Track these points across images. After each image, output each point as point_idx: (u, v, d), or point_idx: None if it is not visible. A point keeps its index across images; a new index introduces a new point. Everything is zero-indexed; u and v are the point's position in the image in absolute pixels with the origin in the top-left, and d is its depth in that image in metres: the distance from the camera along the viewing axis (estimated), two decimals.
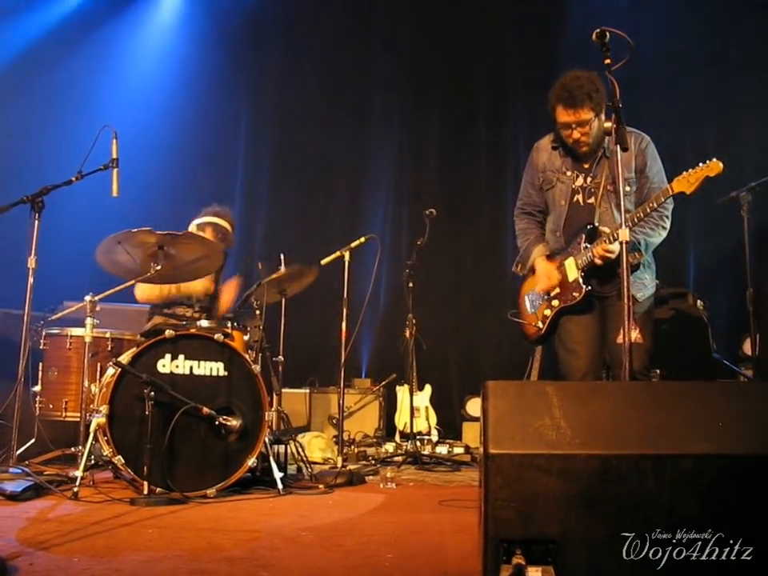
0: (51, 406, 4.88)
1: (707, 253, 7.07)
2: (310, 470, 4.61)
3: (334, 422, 6.72)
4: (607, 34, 3.15)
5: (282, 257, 5.14)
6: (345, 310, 5.21)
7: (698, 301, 6.35)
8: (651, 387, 2.84)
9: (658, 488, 2.11)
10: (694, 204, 6.67)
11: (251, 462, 4.01)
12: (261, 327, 4.71)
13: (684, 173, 3.54)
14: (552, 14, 7.84)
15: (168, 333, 3.94)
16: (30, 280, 4.38)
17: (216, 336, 4.06)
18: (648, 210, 3.69)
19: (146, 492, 3.63)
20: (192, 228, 5.26)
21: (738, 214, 5.32)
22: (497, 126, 8.15)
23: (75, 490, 3.64)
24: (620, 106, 3.18)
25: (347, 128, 8.41)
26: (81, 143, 4.36)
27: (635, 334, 3.63)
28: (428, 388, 6.86)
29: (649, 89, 7.17)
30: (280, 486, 4.03)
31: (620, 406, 2.25)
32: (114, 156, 4.31)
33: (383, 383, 7.08)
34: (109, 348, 4.89)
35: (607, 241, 3.78)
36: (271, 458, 4.13)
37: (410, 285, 5.98)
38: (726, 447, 2.16)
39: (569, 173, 4.06)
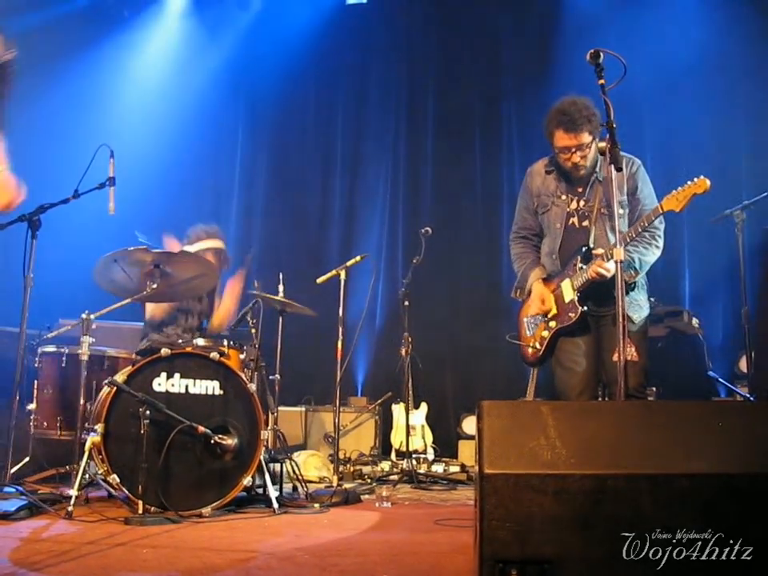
0: (46, 425, 4.86)
1: (702, 271, 7.08)
2: (305, 488, 4.59)
3: (330, 440, 6.69)
4: (601, 54, 3.18)
5: (280, 276, 5.15)
6: (341, 329, 5.22)
7: (694, 319, 6.37)
8: (647, 406, 2.84)
9: (654, 507, 2.11)
10: (688, 222, 6.72)
11: (246, 480, 4.00)
12: (257, 345, 4.71)
13: (673, 191, 3.59)
14: (547, 36, 7.89)
15: (164, 351, 3.94)
16: (26, 298, 4.38)
17: (212, 355, 4.06)
18: (639, 229, 3.73)
19: (140, 511, 3.61)
20: None
21: (732, 232, 5.35)
22: (492, 145, 8.18)
23: (69, 509, 3.62)
24: (614, 126, 3.21)
25: (343, 146, 8.44)
26: (78, 161, 4.37)
27: (631, 352, 3.68)
28: (424, 406, 6.85)
29: (643, 108, 7.22)
30: (275, 504, 4.01)
31: (615, 425, 2.26)
32: (111, 174, 4.32)
33: (379, 402, 7.07)
34: (105, 366, 4.88)
35: (603, 259, 3.81)
36: (267, 477, 4.12)
37: (406, 303, 5.97)
38: (722, 466, 2.16)
39: (563, 196, 4.12)
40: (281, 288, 5.17)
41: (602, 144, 3.27)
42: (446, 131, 8.25)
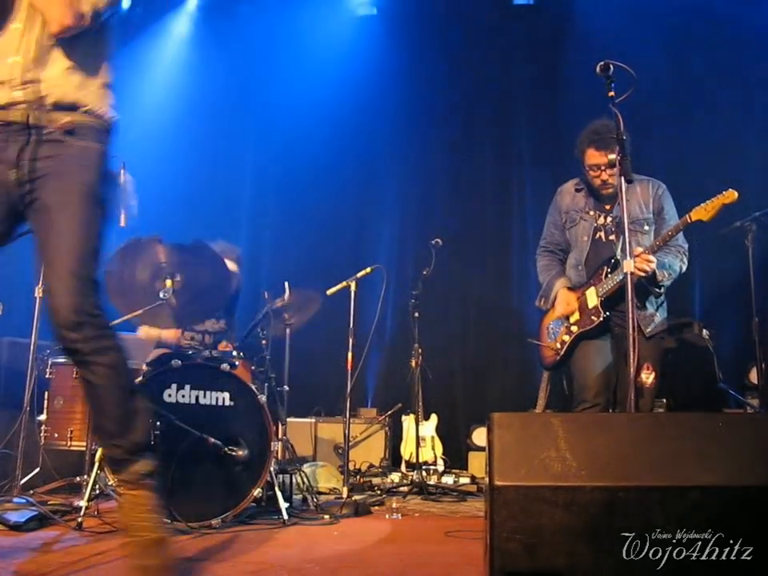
0: (56, 435, 4.86)
1: (712, 282, 7.06)
2: (315, 500, 4.59)
3: (340, 451, 6.68)
4: (611, 66, 3.23)
5: (286, 284, 5.14)
6: (351, 340, 5.22)
7: (704, 330, 6.35)
8: (657, 419, 2.83)
9: (665, 519, 2.11)
10: (699, 233, 6.68)
11: (257, 492, 3.99)
12: (266, 357, 4.72)
13: (702, 204, 3.78)
14: (557, 50, 7.90)
15: (174, 362, 3.95)
16: (37, 309, 4.41)
17: (222, 366, 4.07)
18: (668, 238, 3.93)
19: None
20: None
21: (742, 243, 5.36)
22: (503, 157, 8.17)
23: (80, 520, 3.63)
24: (624, 138, 3.26)
25: (354, 158, 8.44)
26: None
27: (651, 378, 3.82)
28: (434, 417, 6.84)
29: (653, 120, 7.21)
30: (285, 516, 4.01)
31: (626, 437, 2.26)
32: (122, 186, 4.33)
33: (389, 413, 7.06)
34: None
35: (647, 252, 3.96)
36: (276, 488, 4.12)
37: (416, 315, 5.99)
38: (733, 479, 2.15)
39: (591, 212, 4.33)
40: (286, 296, 5.16)
41: (612, 156, 3.33)
42: (456, 142, 8.25)
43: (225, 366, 4.07)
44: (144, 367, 4.30)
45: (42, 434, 4.84)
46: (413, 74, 8.43)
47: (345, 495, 4.90)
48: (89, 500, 3.77)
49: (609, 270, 4.14)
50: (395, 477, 6.38)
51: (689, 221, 3.83)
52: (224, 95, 8.36)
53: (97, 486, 3.94)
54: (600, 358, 4.16)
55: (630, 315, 3.15)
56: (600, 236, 4.27)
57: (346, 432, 5.25)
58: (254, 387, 4.18)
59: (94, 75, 2.87)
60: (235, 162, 8.54)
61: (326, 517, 4.24)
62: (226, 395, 4.04)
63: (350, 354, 5.23)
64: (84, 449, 4.22)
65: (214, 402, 4.01)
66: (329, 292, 5.39)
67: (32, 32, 2.68)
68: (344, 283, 5.36)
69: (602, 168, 4.14)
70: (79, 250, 2.64)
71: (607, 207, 4.30)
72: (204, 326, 5.23)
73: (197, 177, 8.11)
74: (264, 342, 4.79)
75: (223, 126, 8.35)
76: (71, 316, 2.56)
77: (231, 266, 5.24)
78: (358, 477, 6.10)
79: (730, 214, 5.18)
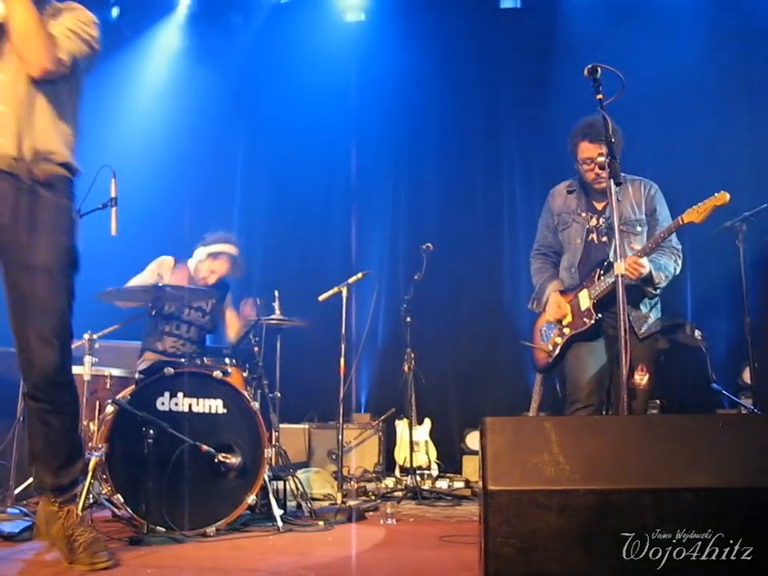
0: None
1: (704, 283, 7.08)
2: (309, 506, 4.58)
3: (334, 457, 6.68)
4: (599, 69, 3.24)
5: (276, 294, 5.14)
6: (343, 346, 5.23)
7: (696, 331, 6.36)
8: (650, 421, 2.83)
9: (658, 522, 2.11)
10: (689, 234, 6.70)
11: (251, 499, 3.99)
12: (259, 363, 4.71)
13: (694, 206, 3.78)
14: (546, 52, 7.91)
15: (167, 371, 3.94)
16: None
17: (215, 373, 4.06)
18: (659, 240, 3.94)
19: (144, 531, 3.60)
20: (201, 255, 5.30)
21: (733, 243, 5.36)
22: (492, 159, 8.19)
23: None
24: (613, 140, 3.27)
25: (344, 162, 8.45)
26: (79, 182, 4.38)
27: (645, 379, 3.83)
28: (427, 422, 6.83)
29: (641, 122, 7.23)
30: (279, 523, 4.00)
31: (619, 440, 2.26)
32: (113, 195, 4.32)
33: (382, 418, 7.05)
34: (107, 386, 4.86)
35: (639, 255, 3.96)
36: (271, 495, 4.11)
37: (408, 319, 5.98)
38: (726, 480, 2.16)
39: (583, 213, 4.31)
40: (276, 305, 5.17)
41: (601, 158, 3.34)
42: (446, 146, 8.26)
43: (218, 374, 4.07)
44: (137, 375, 4.29)
45: None
46: (401, 79, 8.42)
47: (339, 501, 4.90)
48: (82, 509, 3.75)
49: (601, 272, 4.13)
50: (389, 482, 6.37)
51: (681, 223, 3.84)
52: (214, 104, 8.34)
53: (90, 495, 3.92)
54: (592, 359, 4.15)
55: (622, 317, 3.15)
56: (592, 238, 4.26)
57: (340, 437, 5.25)
58: (246, 394, 4.18)
59: (66, 126, 2.95)
60: (226, 167, 8.54)
61: (321, 523, 4.23)
62: (219, 402, 4.04)
63: (342, 360, 5.23)
64: None
65: (207, 410, 4.01)
66: (320, 298, 5.39)
67: (18, 83, 2.78)
68: (335, 289, 5.36)
69: (595, 161, 4.08)
70: (62, 313, 2.85)
71: (599, 208, 4.29)
72: (190, 316, 5.29)
73: (187, 183, 8.10)
74: (256, 348, 4.78)
75: (214, 133, 8.34)
76: (57, 376, 2.80)
77: (232, 249, 5.33)
78: (352, 482, 6.10)
79: (721, 214, 5.20)
